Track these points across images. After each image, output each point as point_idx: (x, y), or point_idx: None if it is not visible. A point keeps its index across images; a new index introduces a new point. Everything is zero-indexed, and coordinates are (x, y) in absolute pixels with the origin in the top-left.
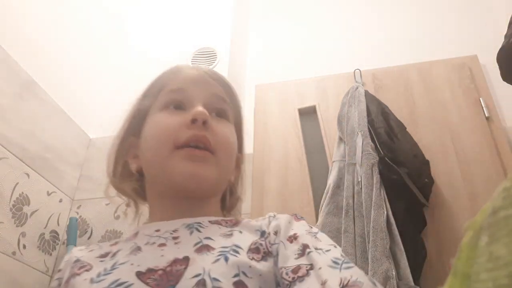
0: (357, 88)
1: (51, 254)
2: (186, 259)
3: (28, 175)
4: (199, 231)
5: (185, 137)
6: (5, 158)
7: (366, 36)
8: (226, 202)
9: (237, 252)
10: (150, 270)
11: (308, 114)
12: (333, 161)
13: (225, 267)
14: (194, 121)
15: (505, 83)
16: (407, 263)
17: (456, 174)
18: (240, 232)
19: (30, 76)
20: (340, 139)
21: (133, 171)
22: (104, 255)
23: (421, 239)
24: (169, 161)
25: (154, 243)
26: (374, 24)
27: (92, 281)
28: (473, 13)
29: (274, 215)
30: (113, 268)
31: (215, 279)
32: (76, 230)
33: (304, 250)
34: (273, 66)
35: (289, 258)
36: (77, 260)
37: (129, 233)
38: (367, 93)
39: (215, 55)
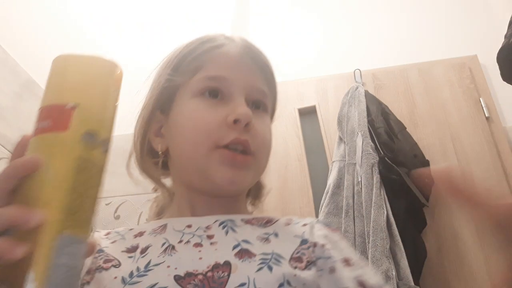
0: (357, 88)
1: None
2: (227, 265)
3: None
4: (234, 231)
5: (228, 140)
6: (5, 158)
7: (366, 36)
8: (251, 191)
9: (279, 261)
10: (189, 275)
11: (308, 114)
12: (333, 161)
13: (269, 276)
14: (236, 121)
15: (505, 83)
16: (407, 263)
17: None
18: (276, 235)
19: (30, 76)
20: (340, 139)
21: (158, 151)
22: (131, 250)
23: (421, 239)
24: (208, 162)
25: (188, 241)
26: (374, 24)
27: (124, 281)
28: (473, 13)
29: (313, 223)
30: (147, 269)
31: None
32: None
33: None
34: (272, 66)
35: (345, 283)
36: (101, 251)
37: (150, 223)
38: (367, 93)
39: None
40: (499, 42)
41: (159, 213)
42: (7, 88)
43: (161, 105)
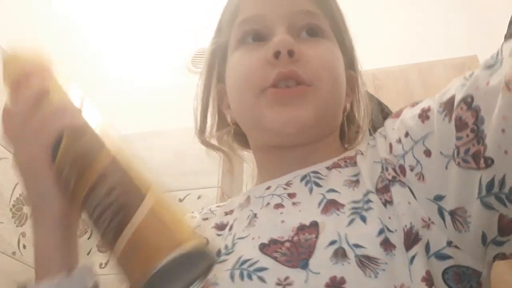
0: None
1: None
2: (314, 225)
3: None
4: (318, 185)
5: (272, 78)
6: (5, 158)
7: (366, 36)
8: (345, 135)
9: (370, 202)
10: (275, 242)
11: None
12: None
13: (365, 229)
14: (277, 54)
15: None
16: None
17: None
18: (361, 173)
19: None
20: None
21: (230, 123)
22: (221, 227)
23: None
24: (257, 109)
25: (268, 203)
26: (373, 24)
27: None
28: (473, 13)
29: (380, 130)
30: (233, 245)
31: (357, 246)
32: None
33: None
34: None
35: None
36: (198, 226)
37: (239, 198)
38: (367, 93)
39: None
40: (499, 42)
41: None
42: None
43: (218, 75)
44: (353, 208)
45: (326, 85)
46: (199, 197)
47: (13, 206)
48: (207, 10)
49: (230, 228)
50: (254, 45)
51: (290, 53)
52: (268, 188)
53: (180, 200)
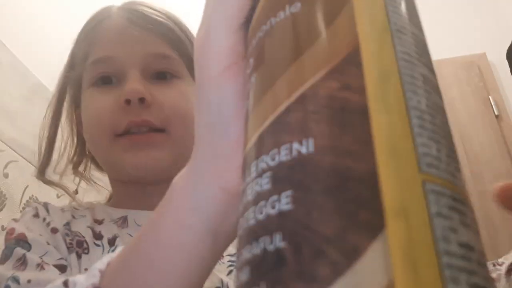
0: None
1: None
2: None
3: None
4: None
5: (124, 125)
6: (15, 161)
7: None
8: None
9: None
10: None
11: None
12: None
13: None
14: (127, 102)
15: None
16: None
17: (465, 173)
18: None
19: (39, 80)
20: None
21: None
22: (98, 236)
23: None
24: (113, 153)
25: None
26: None
27: None
28: (481, 11)
29: None
30: None
31: None
32: None
33: None
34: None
35: None
36: (67, 224)
37: (104, 209)
38: None
39: None
40: (508, 39)
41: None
42: (16, 92)
43: (75, 101)
44: (230, 261)
45: (179, 128)
46: None
47: (23, 208)
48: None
49: (110, 243)
50: (106, 88)
51: (141, 101)
52: None
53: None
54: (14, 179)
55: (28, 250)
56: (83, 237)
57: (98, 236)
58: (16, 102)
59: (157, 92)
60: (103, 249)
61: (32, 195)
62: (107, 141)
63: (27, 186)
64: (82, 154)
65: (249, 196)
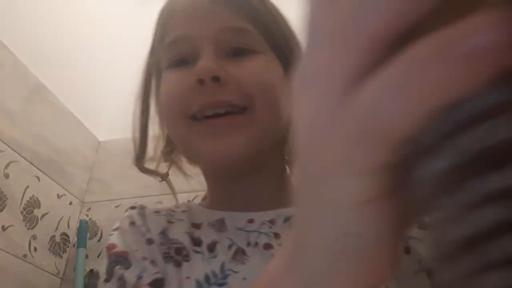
0: None
1: (61, 257)
2: None
3: (38, 178)
4: None
5: (197, 107)
6: (16, 162)
7: None
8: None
9: None
10: None
11: None
12: None
13: None
14: (200, 82)
15: None
16: None
17: None
18: None
19: (39, 80)
20: None
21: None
22: (197, 242)
23: None
24: (190, 140)
25: (256, 243)
26: None
27: (200, 285)
28: None
29: None
30: (224, 275)
31: None
32: (86, 233)
33: None
34: None
35: None
36: (163, 233)
37: (201, 211)
38: None
39: None
40: None
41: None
42: (17, 92)
43: (150, 87)
44: None
45: (263, 104)
46: None
47: (24, 209)
48: None
49: (210, 250)
50: (181, 68)
51: (215, 80)
52: (251, 221)
53: (189, 202)
54: (14, 179)
55: (127, 268)
56: (182, 243)
57: (197, 242)
58: (16, 102)
59: (234, 69)
60: (203, 255)
61: (33, 196)
62: (183, 125)
63: (27, 187)
64: (171, 143)
65: None
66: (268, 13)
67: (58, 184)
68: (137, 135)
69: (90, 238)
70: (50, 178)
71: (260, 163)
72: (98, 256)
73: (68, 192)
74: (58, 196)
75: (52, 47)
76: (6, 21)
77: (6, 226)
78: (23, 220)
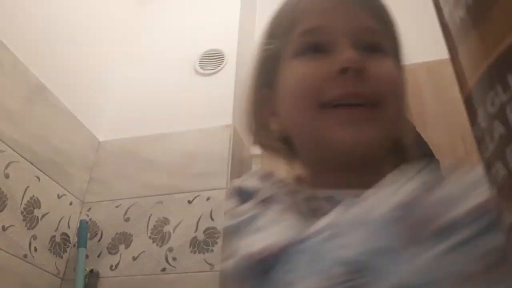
0: None
1: (62, 257)
2: None
3: (38, 178)
4: None
5: (334, 94)
6: (16, 162)
7: None
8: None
9: None
10: None
11: None
12: None
13: None
14: (343, 71)
15: None
16: None
17: None
18: None
19: (40, 80)
20: None
21: (274, 132)
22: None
23: None
24: (321, 126)
25: None
26: None
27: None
28: None
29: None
30: None
31: None
32: (86, 233)
33: None
34: None
35: None
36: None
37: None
38: None
39: (223, 57)
40: None
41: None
42: (17, 92)
43: (265, 81)
44: None
45: (392, 105)
46: (208, 199)
47: (24, 209)
48: (213, 12)
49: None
50: (316, 57)
51: (359, 71)
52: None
53: (189, 202)
54: (14, 179)
55: None
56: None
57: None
58: (16, 102)
59: (371, 65)
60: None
61: (33, 196)
62: (312, 112)
63: (27, 187)
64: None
65: None
66: (392, 24)
67: (58, 184)
68: (251, 112)
69: (90, 238)
70: (50, 178)
71: (376, 159)
72: (98, 256)
73: (68, 192)
74: (58, 196)
75: (52, 47)
76: (6, 21)
77: (6, 226)
78: (23, 220)
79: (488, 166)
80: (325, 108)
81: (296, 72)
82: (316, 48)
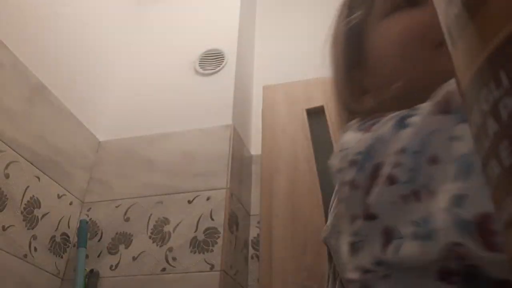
0: None
1: (62, 257)
2: None
3: (38, 178)
4: None
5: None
6: (16, 162)
7: None
8: None
9: None
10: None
11: (316, 115)
12: None
13: None
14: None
15: None
16: None
17: None
18: None
19: (40, 80)
20: None
21: (366, 109)
22: None
23: None
24: (441, 62)
25: None
26: None
27: None
28: None
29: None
30: None
31: None
32: (86, 233)
33: None
34: (280, 67)
35: None
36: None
37: None
38: None
39: (223, 57)
40: None
41: None
42: (17, 92)
43: (351, 61)
44: None
45: None
46: (208, 199)
47: (24, 209)
48: (213, 12)
49: None
50: (411, 8)
51: None
52: None
53: (189, 202)
54: (15, 179)
55: None
56: None
57: None
58: (17, 102)
59: None
60: None
61: (33, 196)
62: (428, 52)
63: (27, 187)
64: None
65: None
66: None
67: (58, 184)
68: (343, 88)
69: (90, 238)
70: (50, 178)
71: None
72: (98, 256)
73: (68, 192)
74: (58, 196)
75: (52, 47)
76: (6, 21)
77: (6, 226)
78: (23, 220)
79: (484, 164)
80: (441, 48)
81: (399, 23)
82: (409, 1)
